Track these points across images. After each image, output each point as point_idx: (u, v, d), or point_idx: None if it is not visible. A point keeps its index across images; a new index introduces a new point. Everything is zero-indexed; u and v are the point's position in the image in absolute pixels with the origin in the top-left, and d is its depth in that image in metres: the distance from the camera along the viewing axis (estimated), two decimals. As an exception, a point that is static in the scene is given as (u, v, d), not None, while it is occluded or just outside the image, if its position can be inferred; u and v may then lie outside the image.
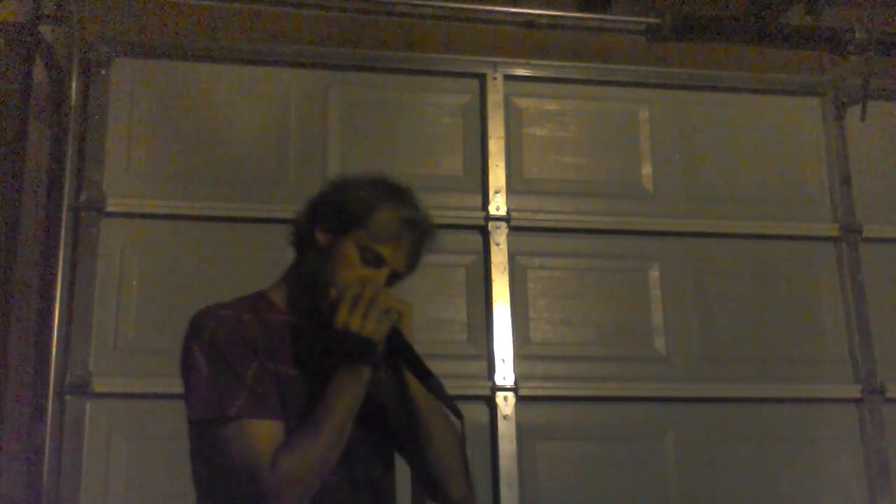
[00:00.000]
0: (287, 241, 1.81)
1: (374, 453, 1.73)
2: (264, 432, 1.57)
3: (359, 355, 1.60)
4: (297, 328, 1.72)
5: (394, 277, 1.73)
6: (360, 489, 1.69)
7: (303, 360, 1.69)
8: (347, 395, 1.59)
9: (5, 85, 3.19)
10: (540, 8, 3.59)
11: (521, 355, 3.26)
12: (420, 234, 1.75)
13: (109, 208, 3.15)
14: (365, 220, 1.69)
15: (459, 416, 1.61)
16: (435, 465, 1.72)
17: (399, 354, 1.63)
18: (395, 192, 1.76)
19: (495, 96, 3.47)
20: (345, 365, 1.61)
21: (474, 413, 3.17)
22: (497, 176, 3.40)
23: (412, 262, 1.76)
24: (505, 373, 3.21)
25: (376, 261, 1.69)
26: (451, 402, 1.61)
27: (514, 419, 3.18)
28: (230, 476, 1.57)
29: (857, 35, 3.65)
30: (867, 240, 3.57)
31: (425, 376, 1.62)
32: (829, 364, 3.46)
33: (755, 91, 3.68)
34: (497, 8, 3.56)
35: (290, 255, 1.76)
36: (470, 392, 3.18)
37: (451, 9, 3.53)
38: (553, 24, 3.60)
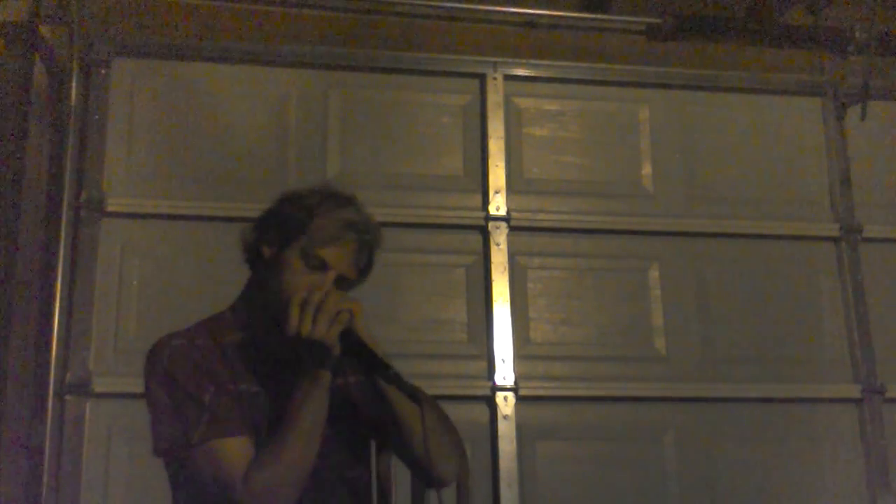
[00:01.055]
0: (241, 260, 1.82)
1: (348, 454, 1.74)
2: (232, 450, 1.58)
3: (315, 360, 1.60)
4: (255, 344, 1.74)
5: (344, 282, 1.73)
6: (337, 490, 1.69)
7: (263, 374, 1.70)
8: (311, 401, 1.60)
9: (5, 85, 3.19)
10: (540, 8, 3.59)
11: (521, 355, 3.26)
12: (363, 235, 1.75)
13: (109, 208, 3.15)
14: (305, 227, 1.71)
15: (418, 402, 1.60)
16: (421, 453, 1.71)
17: (355, 353, 1.63)
18: (335, 198, 1.77)
19: (495, 96, 3.47)
20: (304, 372, 1.61)
21: (474, 413, 3.18)
22: (497, 176, 3.40)
23: (361, 265, 1.77)
24: (505, 373, 3.21)
25: (320, 265, 1.69)
26: (410, 391, 1.60)
27: (514, 419, 3.18)
28: (207, 499, 1.58)
29: (857, 35, 3.65)
30: (867, 240, 3.57)
31: (381, 369, 1.61)
32: (829, 364, 3.46)
33: (755, 91, 3.68)
34: (497, 8, 3.56)
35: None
36: (470, 392, 3.18)
37: (451, 9, 3.53)
38: (553, 24, 3.60)
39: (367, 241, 1.76)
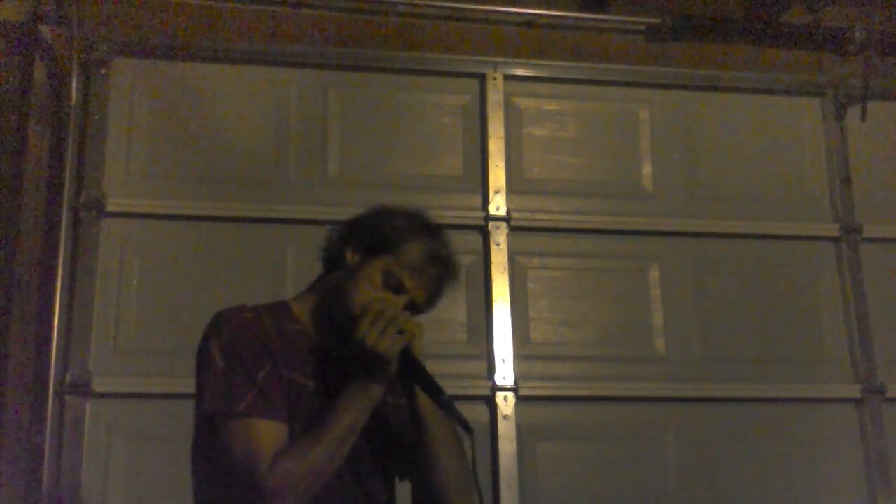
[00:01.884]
0: (317, 256, 1.85)
1: (373, 469, 1.75)
2: (268, 433, 1.60)
3: (372, 371, 1.63)
4: (314, 340, 1.76)
5: (412, 308, 1.77)
6: (352, 499, 1.70)
7: (316, 371, 1.72)
8: (354, 409, 1.62)
9: (5, 85, 3.18)
10: (540, 8, 3.59)
11: (521, 355, 3.25)
12: (444, 271, 1.79)
13: (109, 208, 3.15)
14: (395, 248, 1.74)
15: (470, 431, 1.64)
16: (442, 486, 1.74)
17: (411, 373, 1.66)
18: (428, 227, 1.81)
19: (495, 96, 3.47)
20: (356, 380, 1.63)
21: (474, 413, 3.17)
22: (497, 176, 3.40)
23: (432, 297, 1.80)
24: (505, 373, 3.21)
25: (398, 287, 1.73)
26: (462, 419, 1.64)
27: (514, 419, 3.18)
28: (229, 472, 1.60)
29: (857, 35, 3.64)
30: (867, 240, 3.57)
31: (436, 394, 1.65)
32: (829, 364, 3.46)
33: (755, 91, 3.68)
34: (497, 8, 3.56)
35: (290, 256, 1.78)
36: (470, 392, 3.18)
37: (451, 9, 3.53)
38: (553, 24, 3.60)
39: (445, 277, 1.79)
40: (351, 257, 1.77)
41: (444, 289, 1.81)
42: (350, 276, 1.75)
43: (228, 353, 1.65)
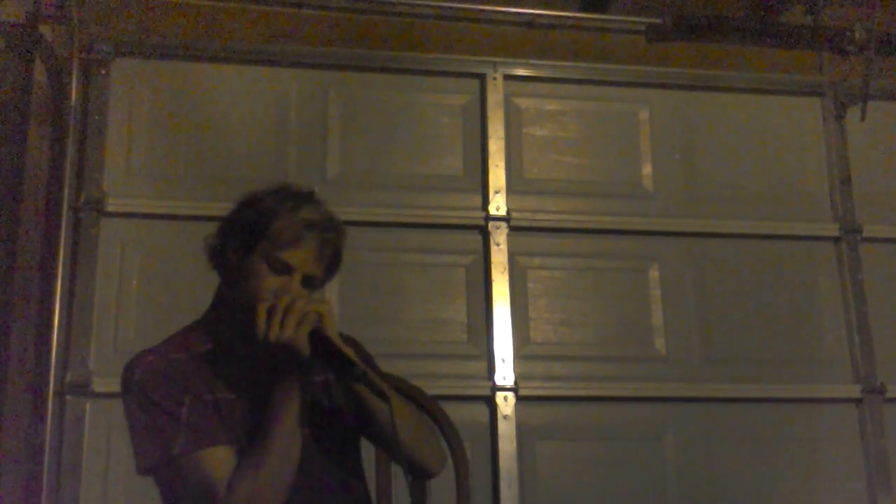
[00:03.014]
0: (209, 267, 1.82)
1: (331, 457, 1.73)
2: (213, 460, 1.59)
3: (285, 365, 1.60)
4: (227, 352, 1.73)
5: (313, 281, 1.73)
6: (325, 494, 1.69)
7: (238, 381, 1.70)
8: (287, 404, 1.60)
9: (5, 85, 3.19)
10: (540, 8, 3.59)
11: (521, 355, 3.26)
12: (325, 233, 1.73)
13: (109, 208, 3.14)
14: (266, 231, 1.70)
15: (386, 399, 1.61)
16: (403, 448, 1.70)
17: (322, 354, 1.62)
18: (293, 198, 1.76)
19: (495, 96, 3.47)
20: (278, 378, 1.61)
21: (474, 413, 3.18)
22: (497, 176, 3.40)
23: (327, 264, 1.75)
24: (505, 373, 3.21)
25: (284, 268, 1.69)
26: (378, 389, 1.61)
27: (514, 419, 3.18)
28: None
29: (857, 35, 3.64)
30: (867, 240, 3.57)
31: (348, 368, 1.60)
32: (829, 364, 3.46)
33: (755, 91, 3.68)
34: (497, 8, 3.56)
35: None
36: (470, 392, 3.18)
37: (451, 9, 3.53)
38: (553, 24, 3.61)
39: (328, 238, 1.74)
40: (233, 257, 1.74)
41: (333, 250, 1.76)
42: (238, 276, 1.72)
43: (144, 404, 1.64)
